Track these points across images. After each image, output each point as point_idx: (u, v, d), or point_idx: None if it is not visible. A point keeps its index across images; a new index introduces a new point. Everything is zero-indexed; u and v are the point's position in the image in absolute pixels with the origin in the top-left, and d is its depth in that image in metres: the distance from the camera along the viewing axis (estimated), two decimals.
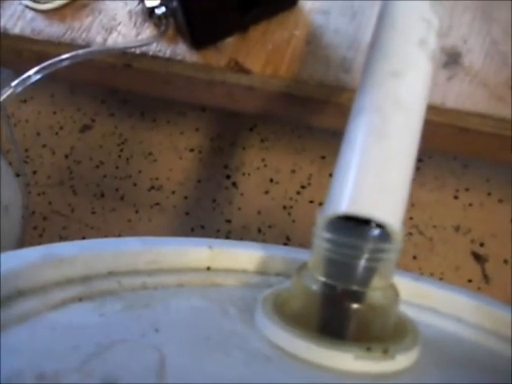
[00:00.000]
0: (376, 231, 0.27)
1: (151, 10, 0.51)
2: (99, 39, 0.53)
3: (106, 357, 0.24)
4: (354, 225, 0.27)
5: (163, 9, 0.51)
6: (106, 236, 0.59)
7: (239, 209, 0.64)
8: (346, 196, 0.27)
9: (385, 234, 0.27)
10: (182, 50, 0.51)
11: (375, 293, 0.28)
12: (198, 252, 0.33)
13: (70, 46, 0.52)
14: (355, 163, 0.28)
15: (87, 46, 0.52)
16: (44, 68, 0.43)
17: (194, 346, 0.26)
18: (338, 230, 0.27)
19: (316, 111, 0.50)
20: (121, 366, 0.23)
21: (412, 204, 0.61)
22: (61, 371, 0.22)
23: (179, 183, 0.66)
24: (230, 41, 0.51)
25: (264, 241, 0.62)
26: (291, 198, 0.62)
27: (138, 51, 0.51)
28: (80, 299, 0.29)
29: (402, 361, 0.27)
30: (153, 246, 0.33)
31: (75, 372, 0.23)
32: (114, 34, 0.53)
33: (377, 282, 0.28)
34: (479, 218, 0.60)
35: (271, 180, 0.63)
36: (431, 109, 0.46)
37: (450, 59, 0.49)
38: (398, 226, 0.27)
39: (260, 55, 0.50)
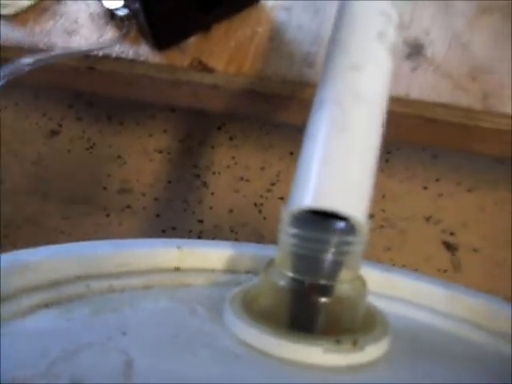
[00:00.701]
0: (341, 224, 0.27)
1: (113, 11, 0.51)
2: (61, 43, 0.52)
3: (73, 360, 0.23)
4: (320, 219, 0.27)
5: (125, 10, 0.50)
6: (77, 241, 0.58)
7: (210, 208, 0.64)
8: (309, 190, 0.27)
9: (350, 226, 0.27)
10: (144, 51, 0.51)
11: (343, 285, 0.28)
12: (166, 253, 0.33)
13: (32, 50, 0.51)
14: (318, 157, 0.28)
15: (49, 50, 0.51)
16: (5, 74, 0.43)
17: (161, 346, 0.26)
18: (304, 224, 0.27)
19: (281, 107, 0.50)
20: (87, 369, 0.23)
21: (382, 196, 0.61)
22: (29, 377, 0.22)
23: (149, 185, 0.65)
24: (193, 40, 0.51)
25: (237, 239, 0.62)
26: (262, 196, 0.62)
27: (100, 53, 0.51)
28: (47, 305, 0.28)
29: (371, 352, 0.27)
30: (121, 248, 0.32)
31: (42, 376, 0.22)
32: (76, 37, 0.52)
33: (344, 274, 0.28)
34: (449, 208, 0.61)
35: (241, 178, 0.63)
36: (396, 100, 0.46)
37: (413, 51, 0.49)
38: (362, 219, 0.27)
39: (223, 53, 0.50)
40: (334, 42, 0.32)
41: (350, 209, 0.27)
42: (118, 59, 0.51)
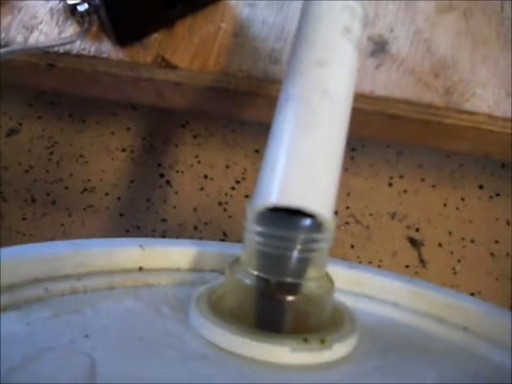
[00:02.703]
0: (307, 222, 0.27)
1: (73, 7, 0.50)
2: (20, 39, 0.51)
3: (33, 367, 0.23)
4: (285, 216, 0.27)
5: (86, 6, 0.49)
6: (38, 242, 0.57)
7: (174, 207, 0.63)
8: (275, 187, 0.27)
9: (316, 223, 0.27)
10: (106, 48, 0.50)
11: (310, 283, 0.27)
12: (128, 252, 0.33)
13: None
14: (283, 154, 0.28)
15: (7, 46, 0.50)
16: None
17: (125, 348, 0.25)
18: (269, 222, 0.27)
19: (246, 104, 0.49)
20: (48, 376, 0.22)
21: (347, 193, 0.61)
22: None
23: (112, 184, 0.64)
24: (156, 37, 0.50)
25: (201, 238, 0.61)
26: (226, 194, 0.62)
27: (61, 50, 0.50)
28: (5, 309, 0.27)
29: (339, 350, 0.27)
30: (80, 248, 0.32)
31: None
32: (36, 33, 0.51)
33: (311, 272, 0.27)
34: (414, 204, 0.61)
35: (205, 176, 0.62)
36: (361, 97, 0.46)
37: (377, 47, 0.49)
38: (329, 216, 0.27)
39: (187, 50, 0.49)
40: (299, 37, 0.32)
41: (316, 206, 0.26)
42: (79, 56, 0.50)
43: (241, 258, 0.28)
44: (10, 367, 0.22)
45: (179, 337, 0.27)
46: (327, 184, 0.27)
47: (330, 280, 0.28)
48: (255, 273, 0.27)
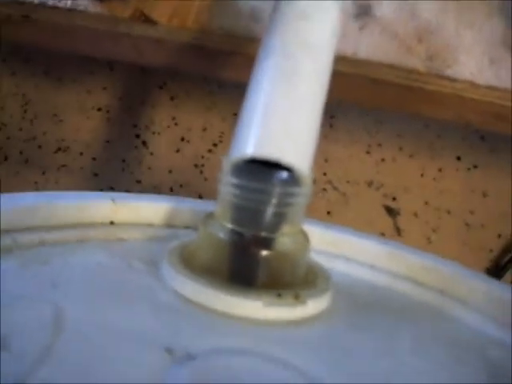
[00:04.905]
0: (284, 175, 0.26)
1: None
2: None
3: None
4: (262, 169, 0.26)
5: None
6: None
7: (149, 168, 0.62)
8: (252, 139, 0.26)
9: (293, 178, 0.26)
10: (84, 1, 0.49)
11: (284, 239, 0.27)
12: (100, 206, 0.32)
13: None
14: (261, 106, 0.27)
15: None
16: None
17: (94, 298, 0.25)
18: (245, 175, 0.26)
19: (226, 63, 0.48)
20: (13, 323, 0.22)
21: (325, 160, 0.61)
22: None
23: (87, 144, 0.63)
24: None
25: None
26: (203, 157, 0.61)
27: (36, 1, 0.48)
28: None
29: (313, 306, 0.26)
30: (51, 200, 0.31)
31: None
32: None
33: (286, 227, 0.27)
34: (391, 173, 0.60)
35: (182, 138, 0.61)
36: (343, 59, 0.46)
37: (361, 10, 0.48)
38: (306, 169, 0.26)
39: (167, 6, 0.48)
40: None
41: (293, 159, 0.26)
42: (54, 8, 0.49)
43: (215, 212, 0.28)
44: None
45: (150, 289, 0.26)
46: (305, 138, 0.27)
47: (305, 237, 0.28)
48: (229, 226, 0.26)
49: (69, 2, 0.48)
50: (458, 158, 0.60)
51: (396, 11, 0.48)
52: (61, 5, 0.48)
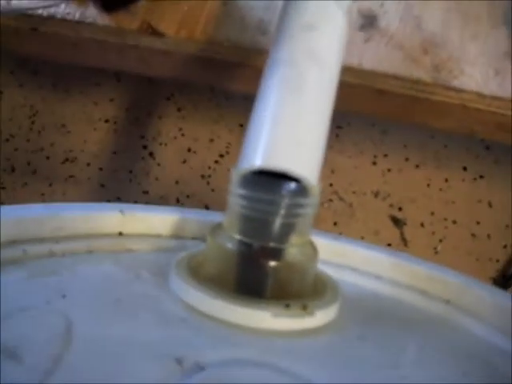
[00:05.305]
0: (292, 186, 0.26)
1: None
2: (2, 1, 0.49)
3: (6, 326, 0.22)
4: (270, 180, 0.26)
5: None
6: None
7: (156, 179, 0.62)
8: (260, 151, 0.26)
9: (301, 188, 0.26)
10: (92, 13, 0.49)
11: (293, 249, 0.27)
12: (108, 217, 0.32)
13: None
14: (269, 117, 0.27)
15: None
16: None
17: (103, 309, 0.25)
18: (254, 186, 0.26)
19: (233, 75, 0.48)
20: (23, 335, 0.22)
21: (331, 170, 0.61)
22: None
23: (94, 155, 0.63)
24: (143, 3, 0.49)
25: None
26: (210, 167, 0.61)
27: (44, 13, 0.49)
28: None
29: (321, 317, 0.26)
30: (59, 211, 0.31)
31: None
32: None
33: (294, 238, 0.27)
34: (397, 183, 0.61)
35: (189, 149, 0.62)
36: (348, 70, 0.46)
37: (367, 22, 0.49)
38: (314, 180, 0.26)
39: (174, 17, 0.48)
40: (288, 1, 0.31)
41: (301, 169, 0.26)
42: (63, 20, 0.49)
43: (223, 223, 0.28)
44: None
45: (158, 300, 0.26)
46: (313, 148, 0.27)
47: (313, 247, 0.28)
48: (238, 237, 0.27)
49: (77, 14, 0.49)
50: (464, 169, 0.60)
51: (401, 23, 0.48)
52: (69, 17, 0.49)
